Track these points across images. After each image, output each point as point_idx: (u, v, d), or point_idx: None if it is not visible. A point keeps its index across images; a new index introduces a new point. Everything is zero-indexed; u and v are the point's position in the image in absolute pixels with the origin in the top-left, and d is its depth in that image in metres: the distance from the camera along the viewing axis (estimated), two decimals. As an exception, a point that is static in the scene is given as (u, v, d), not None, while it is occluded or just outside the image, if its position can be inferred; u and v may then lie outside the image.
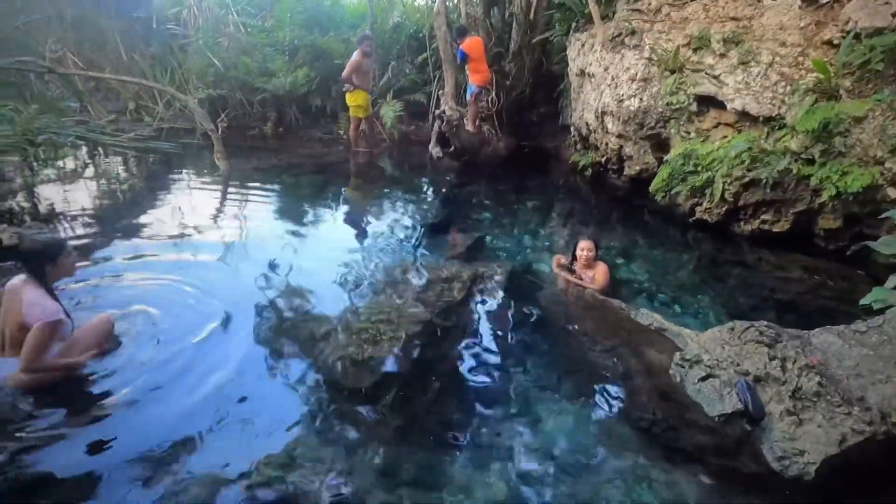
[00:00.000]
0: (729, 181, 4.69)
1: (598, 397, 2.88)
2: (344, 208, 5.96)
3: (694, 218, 5.13)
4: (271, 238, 4.66)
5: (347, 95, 7.45)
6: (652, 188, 5.47)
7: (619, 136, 6.07)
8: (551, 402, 2.91)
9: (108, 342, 2.83)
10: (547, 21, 8.49)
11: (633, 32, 5.88)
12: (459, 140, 6.42)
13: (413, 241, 4.86)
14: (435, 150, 6.47)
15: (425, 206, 6.03)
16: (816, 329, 2.69)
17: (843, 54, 4.20)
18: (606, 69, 6.10)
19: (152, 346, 2.89)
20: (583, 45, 6.71)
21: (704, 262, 4.62)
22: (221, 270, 3.94)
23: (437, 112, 6.34)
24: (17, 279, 2.55)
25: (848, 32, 4.28)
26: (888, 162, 3.85)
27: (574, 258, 3.88)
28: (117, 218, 4.95)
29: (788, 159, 4.35)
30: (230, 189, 6.23)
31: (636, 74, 5.69)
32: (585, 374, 3.11)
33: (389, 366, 2.86)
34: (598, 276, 3.66)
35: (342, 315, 3.33)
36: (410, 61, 9.47)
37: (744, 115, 4.92)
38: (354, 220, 5.54)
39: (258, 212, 5.43)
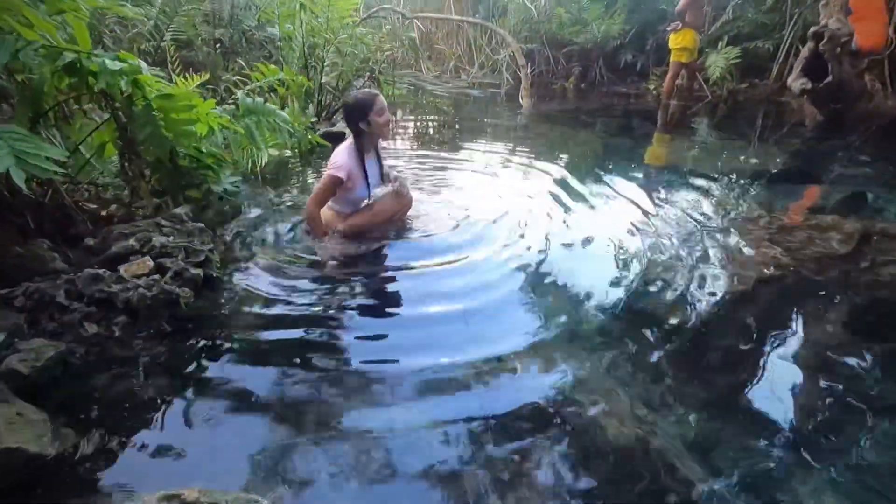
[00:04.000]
0: None
1: None
2: (646, 150, 5.07)
3: None
4: (562, 176, 4.15)
5: (672, 37, 6.36)
6: None
7: None
8: None
9: (400, 214, 2.81)
10: None
11: None
12: (840, 70, 4.60)
13: (741, 188, 3.64)
14: (798, 82, 4.78)
15: (761, 155, 4.58)
16: None
17: None
18: None
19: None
20: None
21: None
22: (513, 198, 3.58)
23: (815, 29, 4.64)
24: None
25: None
26: None
27: None
28: (430, 143, 5.31)
29: None
30: (529, 123, 6.14)
31: None
32: None
33: (727, 309, 1.98)
34: None
35: (675, 245, 2.57)
36: (755, 5, 7.60)
37: None
38: (658, 163, 4.59)
39: (553, 146, 5.05)
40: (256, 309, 1.96)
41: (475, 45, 9.46)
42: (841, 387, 1.76)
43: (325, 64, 4.60)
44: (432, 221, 2.86)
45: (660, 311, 2.06)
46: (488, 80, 8.93)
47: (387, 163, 2.91)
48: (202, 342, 1.72)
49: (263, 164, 3.42)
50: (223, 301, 2.00)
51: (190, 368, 1.62)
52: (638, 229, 2.82)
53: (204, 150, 2.40)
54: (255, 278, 2.20)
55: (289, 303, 2.03)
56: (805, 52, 4.88)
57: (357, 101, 2.50)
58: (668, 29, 6.41)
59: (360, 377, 1.66)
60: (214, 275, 2.00)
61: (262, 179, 3.42)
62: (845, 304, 2.17)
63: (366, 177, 2.53)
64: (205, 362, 1.64)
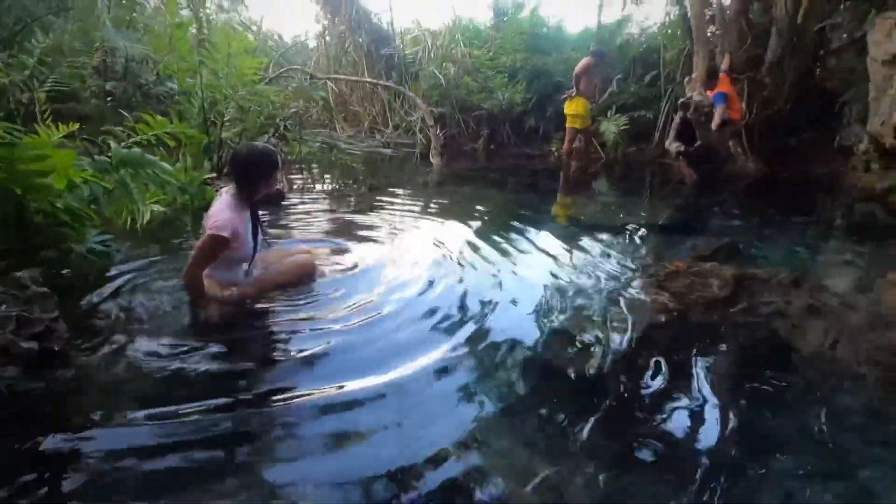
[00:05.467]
0: None
1: None
2: (551, 206, 5.39)
3: None
4: (472, 230, 4.23)
5: (566, 104, 6.97)
6: None
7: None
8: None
9: (303, 282, 2.62)
10: (821, 21, 6.79)
11: None
12: (707, 134, 5.27)
13: (636, 240, 3.90)
14: (674, 145, 5.43)
15: (650, 210, 5.01)
16: None
17: None
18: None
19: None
20: (898, 24, 4.99)
21: None
22: (429, 249, 3.50)
23: (681, 101, 5.34)
24: (229, 187, 2.38)
25: None
26: None
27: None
28: (340, 199, 5.21)
29: None
30: (441, 181, 6.31)
31: None
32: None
33: (626, 356, 2.00)
34: None
35: (577, 294, 2.61)
36: (636, 81, 8.63)
37: None
38: (561, 218, 4.85)
39: (463, 202, 5.16)
40: (111, 395, 1.65)
41: (390, 108, 9.74)
42: (739, 426, 1.79)
43: (226, 120, 4.42)
44: (335, 284, 2.68)
45: (562, 363, 2.04)
46: (403, 140, 9.16)
47: (294, 216, 2.78)
48: (23, 437, 1.39)
49: (145, 221, 3.10)
50: (68, 380, 1.67)
51: None
52: (543, 281, 2.86)
53: (60, 205, 2.11)
54: (117, 354, 1.88)
55: (156, 386, 1.72)
56: (677, 119, 5.55)
57: (264, 155, 2.32)
58: (563, 97, 7.04)
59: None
60: (56, 349, 1.68)
61: (143, 238, 3.09)
62: (729, 343, 2.30)
63: (254, 235, 2.31)
64: (21, 466, 1.32)
